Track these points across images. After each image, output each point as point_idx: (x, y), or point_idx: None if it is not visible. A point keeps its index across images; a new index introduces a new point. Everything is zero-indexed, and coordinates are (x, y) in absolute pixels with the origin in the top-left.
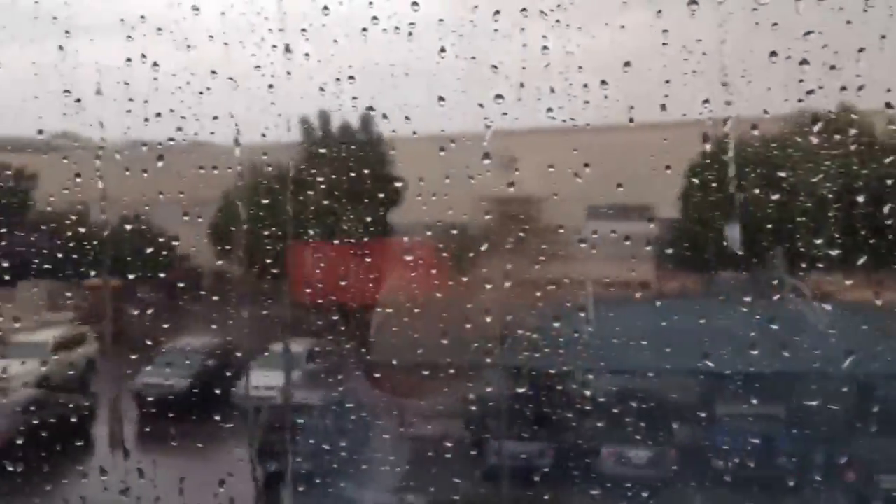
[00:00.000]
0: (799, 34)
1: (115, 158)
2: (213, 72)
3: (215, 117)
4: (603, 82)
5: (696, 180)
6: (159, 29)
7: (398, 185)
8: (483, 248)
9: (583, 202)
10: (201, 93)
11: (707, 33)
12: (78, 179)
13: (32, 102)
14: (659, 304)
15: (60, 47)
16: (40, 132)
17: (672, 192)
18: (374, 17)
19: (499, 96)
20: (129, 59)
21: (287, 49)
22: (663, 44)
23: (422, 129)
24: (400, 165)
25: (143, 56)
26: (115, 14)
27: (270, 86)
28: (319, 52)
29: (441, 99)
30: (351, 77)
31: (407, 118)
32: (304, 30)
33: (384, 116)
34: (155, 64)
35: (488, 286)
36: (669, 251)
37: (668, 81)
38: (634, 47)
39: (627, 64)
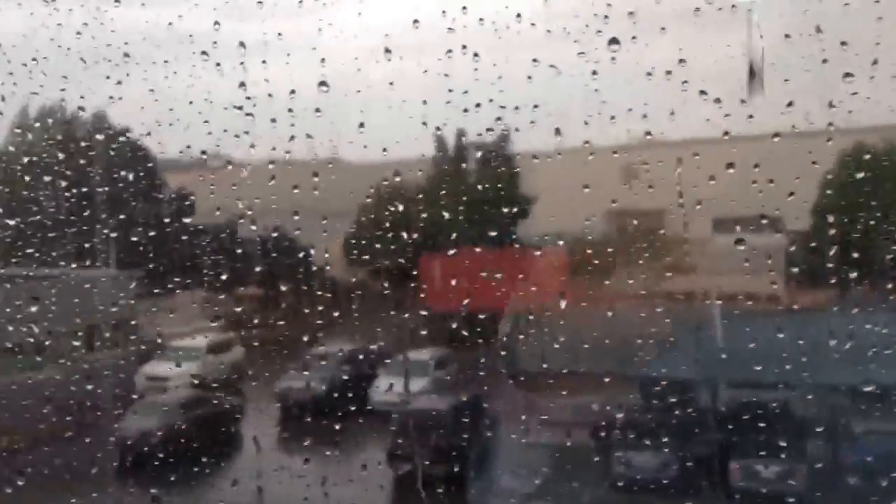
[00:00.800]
0: None
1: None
2: (535, 60)
3: (536, 106)
4: None
5: None
6: (481, 19)
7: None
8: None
9: None
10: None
11: None
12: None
13: (354, 97)
14: None
15: (387, 50)
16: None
17: None
18: None
19: (848, 74)
20: (449, 51)
21: (614, 41)
22: None
23: (758, 114)
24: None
25: (464, 47)
26: (437, 6)
27: (594, 72)
28: (646, 36)
29: (785, 80)
30: (682, 60)
31: (742, 101)
32: (630, 13)
33: (717, 101)
34: (475, 55)
35: None
36: None
37: None
38: None
39: None
